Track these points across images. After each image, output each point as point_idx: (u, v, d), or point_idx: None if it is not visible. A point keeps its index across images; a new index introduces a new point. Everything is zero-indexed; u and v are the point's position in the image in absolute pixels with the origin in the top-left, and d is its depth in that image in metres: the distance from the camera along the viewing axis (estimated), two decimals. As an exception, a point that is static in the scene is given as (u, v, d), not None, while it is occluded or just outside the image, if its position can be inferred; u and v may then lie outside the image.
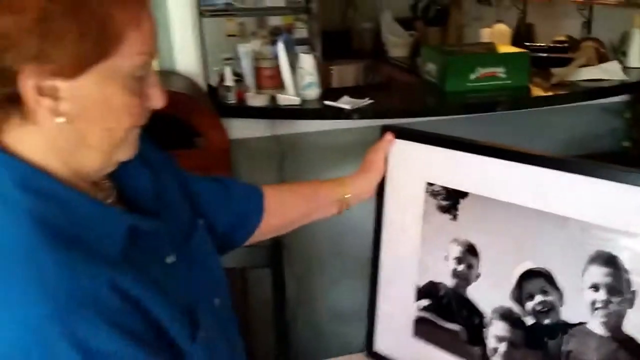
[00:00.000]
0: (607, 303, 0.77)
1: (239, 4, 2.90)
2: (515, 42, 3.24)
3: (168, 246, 0.69)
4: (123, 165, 0.67)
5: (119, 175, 0.68)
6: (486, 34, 3.23)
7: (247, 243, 0.95)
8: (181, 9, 1.57)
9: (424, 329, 0.98)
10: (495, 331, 0.88)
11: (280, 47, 1.55)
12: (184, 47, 1.55)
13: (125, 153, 0.64)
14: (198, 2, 1.61)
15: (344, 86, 3.13)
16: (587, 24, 2.88)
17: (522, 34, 3.36)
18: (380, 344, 1.05)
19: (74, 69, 0.56)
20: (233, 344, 0.79)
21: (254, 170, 1.76)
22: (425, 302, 0.97)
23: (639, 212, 0.73)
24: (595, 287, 0.78)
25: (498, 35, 3.13)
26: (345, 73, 3.62)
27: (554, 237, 0.80)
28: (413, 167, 0.96)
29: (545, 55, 2.38)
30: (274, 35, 3.16)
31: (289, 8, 3.05)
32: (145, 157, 0.72)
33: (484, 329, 0.89)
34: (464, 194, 0.90)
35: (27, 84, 0.55)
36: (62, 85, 0.56)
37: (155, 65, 0.64)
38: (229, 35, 2.96)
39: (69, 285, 0.55)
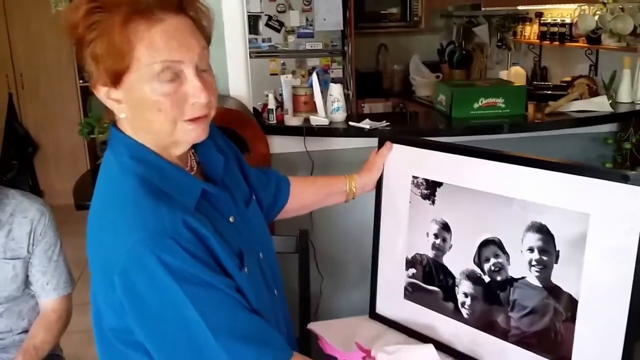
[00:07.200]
0: (539, 261, 0.99)
1: (283, 47, 3.25)
2: (531, 82, 3.47)
3: (231, 209, 0.93)
4: (206, 150, 0.92)
5: (202, 156, 0.94)
6: (504, 76, 3.48)
7: (276, 219, 1.22)
8: (235, 50, 1.91)
9: (411, 292, 1.20)
10: (463, 289, 1.10)
11: (314, 77, 1.86)
12: (236, 78, 1.89)
13: (184, 137, 0.83)
14: (247, 45, 1.95)
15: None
16: (595, 67, 3.08)
17: (537, 76, 3.58)
18: (380, 307, 1.27)
19: (114, 81, 0.79)
20: (272, 291, 1.00)
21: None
22: (412, 271, 1.20)
23: (560, 191, 0.96)
24: (531, 249, 1.00)
25: (514, 76, 3.37)
26: (376, 109, 3.86)
27: (503, 213, 1.03)
28: (402, 164, 1.21)
29: (549, 92, 2.62)
30: (311, 74, 3.50)
31: (326, 50, 3.37)
32: (222, 147, 0.98)
33: (455, 288, 1.12)
34: (439, 184, 1.14)
35: (99, 92, 0.82)
36: (115, 92, 0.81)
37: (192, 70, 0.80)
38: (272, 74, 3.28)
39: (158, 222, 0.77)
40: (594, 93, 2.16)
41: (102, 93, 0.82)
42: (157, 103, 0.80)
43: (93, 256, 0.85)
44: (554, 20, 3.29)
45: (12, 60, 4.25)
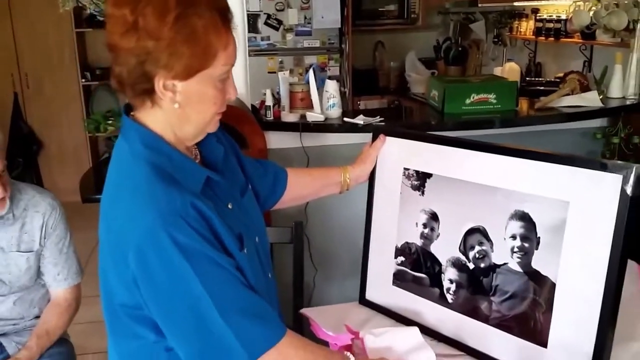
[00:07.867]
0: (521, 247, 1.03)
1: (281, 45, 3.28)
2: (525, 78, 3.50)
3: (229, 197, 0.99)
4: (208, 141, 0.98)
5: (203, 146, 1.00)
6: (498, 72, 3.51)
7: (273, 208, 1.26)
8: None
9: (400, 279, 1.25)
10: (449, 275, 1.15)
11: (311, 73, 1.90)
12: (235, 76, 1.91)
13: (211, 128, 0.95)
14: (246, 44, 2.00)
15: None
16: (589, 62, 3.11)
17: (531, 72, 3.61)
18: (369, 294, 1.32)
19: (186, 75, 0.86)
20: (266, 273, 1.07)
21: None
22: (401, 258, 1.25)
23: (542, 180, 1.00)
24: (514, 237, 1.04)
25: (509, 72, 3.41)
26: (371, 106, 3.86)
27: (487, 202, 1.08)
28: (394, 156, 1.26)
29: (542, 88, 2.66)
30: (308, 71, 3.50)
31: (323, 48, 3.40)
32: (221, 139, 1.04)
33: (441, 275, 1.16)
34: (429, 175, 1.18)
35: (159, 83, 0.86)
36: (178, 84, 0.87)
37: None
38: (270, 72, 3.29)
39: (170, 203, 0.84)
40: (585, 88, 2.19)
41: (161, 82, 0.87)
42: (214, 97, 0.90)
43: (106, 236, 0.91)
44: (550, 16, 3.33)
45: (18, 59, 4.29)
